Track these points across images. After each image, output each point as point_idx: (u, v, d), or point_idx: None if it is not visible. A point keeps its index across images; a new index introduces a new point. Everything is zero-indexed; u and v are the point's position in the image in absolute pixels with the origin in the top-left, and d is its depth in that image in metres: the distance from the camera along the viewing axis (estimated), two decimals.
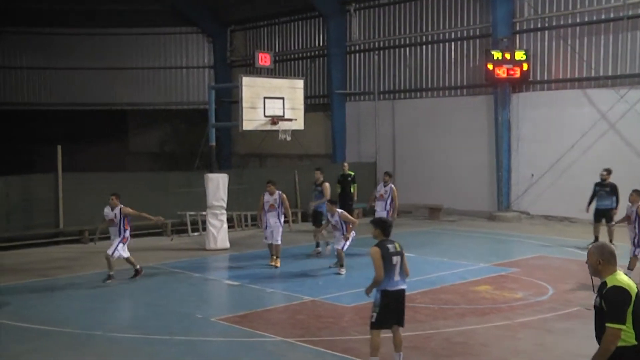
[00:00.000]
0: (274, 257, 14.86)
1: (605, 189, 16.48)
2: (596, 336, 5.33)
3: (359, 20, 26.44)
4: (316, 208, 16.77)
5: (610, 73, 20.22)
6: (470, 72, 23.48)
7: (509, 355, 8.87)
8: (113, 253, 12.94)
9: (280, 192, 14.94)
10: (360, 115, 26.49)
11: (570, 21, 21.14)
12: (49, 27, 31.47)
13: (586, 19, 20.75)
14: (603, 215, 16.32)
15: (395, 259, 7.98)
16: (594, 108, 20.45)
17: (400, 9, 25.40)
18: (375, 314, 8.00)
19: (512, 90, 22.22)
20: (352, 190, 18.94)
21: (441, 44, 24.32)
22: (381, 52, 26.01)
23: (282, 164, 27.97)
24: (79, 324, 10.32)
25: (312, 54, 28.77)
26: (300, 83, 17.29)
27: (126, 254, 13.18)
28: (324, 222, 15.40)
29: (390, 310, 7.98)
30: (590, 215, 16.90)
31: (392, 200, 16.48)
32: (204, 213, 17.91)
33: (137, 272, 13.38)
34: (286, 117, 16.55)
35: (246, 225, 20.48)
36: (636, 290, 5.23)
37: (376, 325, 8.02)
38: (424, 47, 24.84)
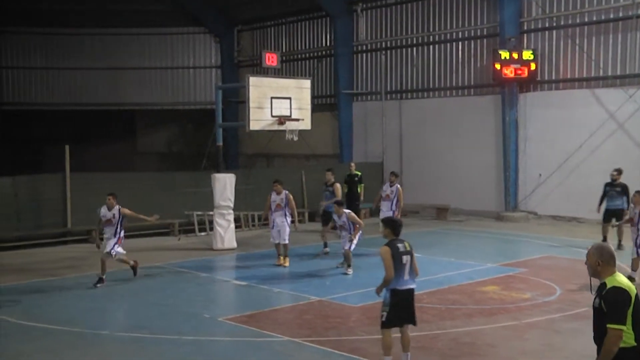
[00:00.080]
0: (282, 257, 14.88)
1: (615, 189, 16.39)
2: (594, 337, 5.35)
3: (366, 20, 26.43)
4: (326, 208, 16.74)
5: (618, 72, 20.13)
6: (478, 72, 23.43)
7: (517, 356, 8.84)
8: (111, 251, 12.83)
9: (286, 192, 14.96)
10: (367, 115, 26.47)
11: (578, 20, 21.06)
12: (58, 27, 31.60)
13: (594, 18, 20.67)
14: (613, 216, 16.21)
15: (405, 258, 8.00)
16: (602, 108, 20.37)
17: (407, 9, 25.37)
18: (385, 313, 8.02)
19: (519, 90, 22.16)
20: (358, 190, 18.93)
21: (448, 44, 24.28)
22: (388, 52, 25.98)
23: (289, 164, 27.98)
24: (86, 323, 10.35)
25: (319, 54, 28.77)
26: (307, 83, 17.29)
27: (122, 253, 13.13)
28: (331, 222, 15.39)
29: (399, 309, 7.99)
30: (598, 215, 16.84)
31: (398, 200, 16.46)
32: (211, 213, 17.93)
33: (134, 269, 13.28)
34: (293, 117, 16.55)
35: (253, 225, 20.50)
36: (635, 291, 5.24)
37: (386, 324, 8.04)
38: (431, 46, 24.81)
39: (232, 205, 17.31)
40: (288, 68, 29.47)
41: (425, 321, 9.97)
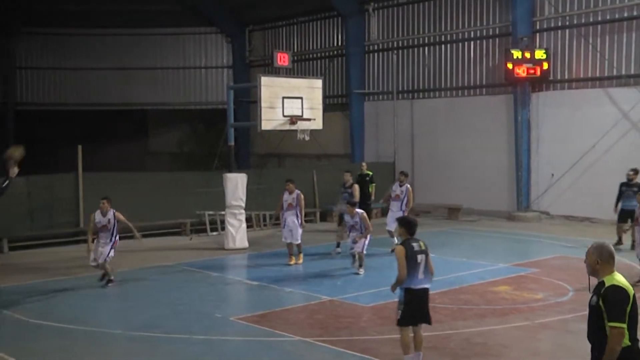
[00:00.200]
0: (293, 256, 14.90)
1: (632, 189, 16.24)
2: (588, 335, 5.39)
3: (378, 19, 26.39)
4: (343, 212, 16.69)
5: (632, 72, 19.98)
6: (490, 72, 23.35)
7: (529, 356, 8.81)
8: (105, 259, 12.75)
9: (298, 192, 14.98)
10: (379, 115, 26.44)
11: (591, 19, 20.94)
12: (69, 27, 31.75)
13: (607, 17, 20.54)
14: (629, 216, 16.00)
15: (420, 258, 8.02)
16: (615, 107, 20.24)
17: (419, 8, 25.31)
18: (400, 312, 8.07)
19: (532, 90, 22.06)
20: (370, 190, 18.91)
21: (460, 43, 24.21)
22: (400, 51, 25.94)
23: (301, 164, 27.99)
24: (98, 322, 10.42)
25: (331, 53, 28.77)
26: (318, 83, 17.28)
27: (112, 257, 12.98)
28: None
29: (414, 307, 8.02)
30: (611, 216, 16.72)
31: (408, 200, 16.42)
32: (222, 213, 17.96)
33: (107, 278, 12.91)
34: (305, 116, 16.54)
35: (265, 225, 20.52)
36: (633, 291, 5.28)
37: (401, 322, 8.09)
38: (443, 46, 24.74)
39: (243, 205, 17.33)
40: (299, 68, 29.49)
41: (437, 321, 9.93)
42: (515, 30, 21.97)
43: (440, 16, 24.60)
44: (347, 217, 14.26)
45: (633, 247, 15.34)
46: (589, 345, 5.43)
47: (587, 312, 5.46)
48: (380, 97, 26.72)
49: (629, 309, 5.18)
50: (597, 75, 20.78)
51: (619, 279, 5.30)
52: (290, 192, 14.93)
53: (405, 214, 15.88)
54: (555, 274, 13.45)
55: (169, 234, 19.03)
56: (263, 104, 15.96)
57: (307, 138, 16.83)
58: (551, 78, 21.64)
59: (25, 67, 33.02)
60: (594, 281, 5.46)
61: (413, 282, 7.98)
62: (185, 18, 32.05)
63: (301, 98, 16.53)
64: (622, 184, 16.57)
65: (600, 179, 19.82)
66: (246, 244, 17.23)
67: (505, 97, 22.72)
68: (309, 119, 16.63)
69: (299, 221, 14.88)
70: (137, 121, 35.23)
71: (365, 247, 13.88)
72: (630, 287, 5.29)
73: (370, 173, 19.16)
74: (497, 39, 23.15)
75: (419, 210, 22.02)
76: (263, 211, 20.40)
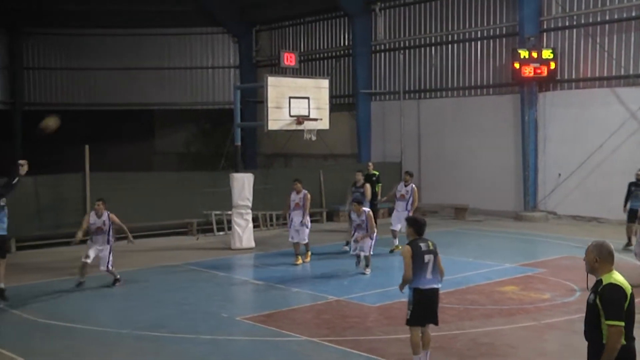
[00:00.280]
0: (299, 256, 14.91)
1: None
2: (584, 332, 5.39)
3: (384, 19, 26.37)
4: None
5: None
6: (497, 71, 23.30)
7: (536, 357, 8.80)
8: (108, 265, 12.75)
9: (305, 192, 15.00)
10: (386, 115, 26.42)
11: (598, 19, 20.88)
12: (76, 27, 31.82)
13: (615, 16, 20.47)
14: (637, 216, 16.03)
15: (427, 258, 7.98)
16: (623, 107, 20.17)
17: (426, 8, 25.29)
18: (409, 312, 8.06)
19: (539, 89, 22.01)
20: (377, 190, 18.90)
21: (467, 43, 24.18)
22: (406, 51, 25.91)
23: (308, 164, 27.99)
24: (106, 322, 10.45)
25: (338, 53, 28.77)
26: (325, 83, 17.29)
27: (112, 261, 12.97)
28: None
29: (422, 307, 8.01)
30: (619, 216, 16.66)
31: (413, 200, 16.40)
32: (229, 212, 17.98)
33: (80, 283, 12.82)
34: (311, 116, 16.55)
35: (271, 225, 20.54)
36: (631, 290, 5.28)
37: (410, 321, 8.08)
38: (449, 46, 24.71)
39: (250, 204, 17.36)
40: (306, 68, 29.50)
41: (443, 321, 9.91)
42: (522, 30, 21.93)
43: (447, 16, 24.57)
44: (353, 216, 14.23)
45: None
46: None
47: None
48: (387, 97, 26.69)
49: (625, 307, 5.17)
50: (605, 74, 20.71)
51: (617, 277, 5.29)
52: (298, 192, 14.98)
53: (411, 214, 15.89)
54: (562, 274, 13.41)
55: (175, 233, 19.08)
56: (270, 104, 15.98)
57: (313, 138, 16.83)
58: (558, 78, 21.58)
59: (32, 67, 33.13)
60: (593, 279, 5.45)
61: (421, 282, 7.95)
62: (192, 18, 32.09)
63: (308, 98, 16.53)
64: (630, 184, 16.50)
65: (608, 178, 19.76)
66: (253, 244, 17.25)
67: (512, 96, 22.68)
68: (315, 119, 16.64)
69: (307, 221, 14.89)
70: (144, 121, 35.29)
71: (372, 248, 13.88)
72: (628, 286, 5.28)
73: (377, 173, 19.16)
74: (504, 39, 23.11)
75: (425, 210, 22.00)
76: (270, 211, 20.43)
